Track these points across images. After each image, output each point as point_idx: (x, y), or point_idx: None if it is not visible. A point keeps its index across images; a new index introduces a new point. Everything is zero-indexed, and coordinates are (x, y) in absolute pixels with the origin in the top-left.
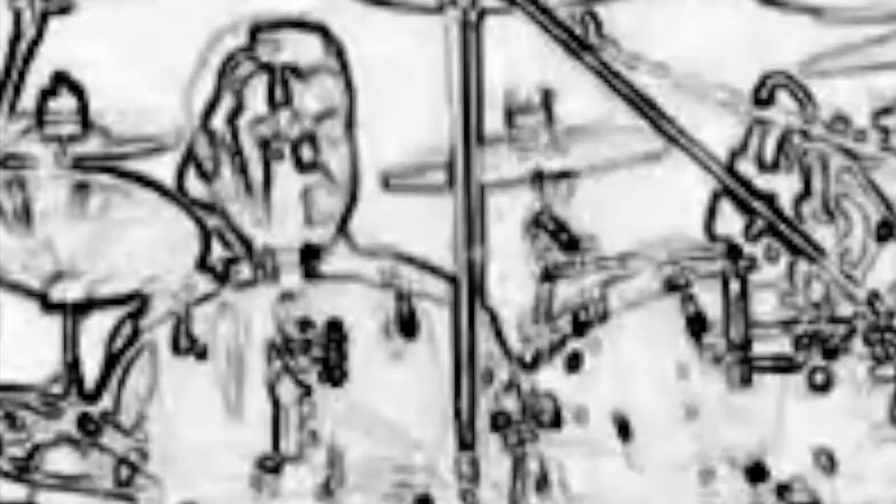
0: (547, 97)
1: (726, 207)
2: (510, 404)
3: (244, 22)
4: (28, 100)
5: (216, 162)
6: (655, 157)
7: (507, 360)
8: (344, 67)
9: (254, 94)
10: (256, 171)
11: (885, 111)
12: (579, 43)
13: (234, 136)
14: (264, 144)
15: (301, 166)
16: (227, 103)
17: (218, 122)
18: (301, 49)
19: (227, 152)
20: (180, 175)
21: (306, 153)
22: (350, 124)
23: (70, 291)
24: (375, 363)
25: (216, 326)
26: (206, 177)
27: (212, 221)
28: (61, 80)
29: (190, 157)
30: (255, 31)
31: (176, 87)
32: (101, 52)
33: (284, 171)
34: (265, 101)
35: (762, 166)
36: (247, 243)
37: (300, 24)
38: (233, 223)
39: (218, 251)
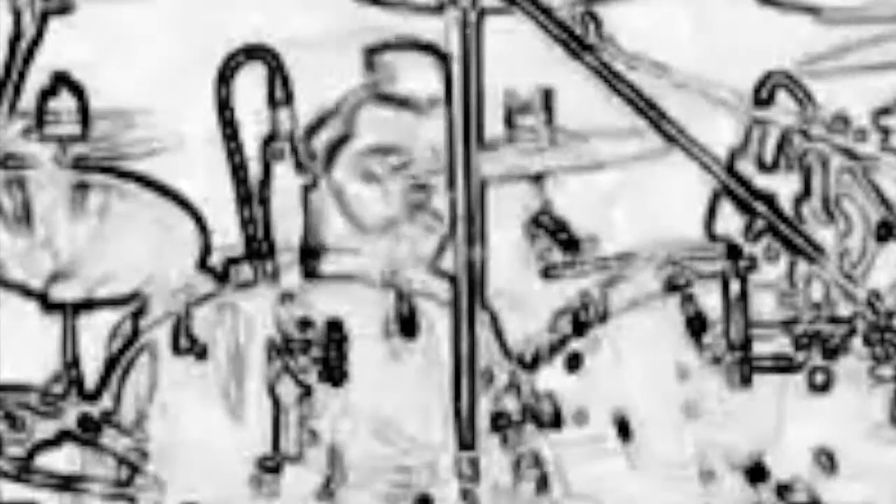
0: (547, 97)
1: (726, 207)
2: (510, 404)
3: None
4: (28, 100)
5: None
6: (655, 157)
7: (507, 360)
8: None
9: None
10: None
11: (885, 111)
12: (579, 43)
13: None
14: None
15: (414, 208)
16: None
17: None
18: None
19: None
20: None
21: (416, 196)
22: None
23: (70, 291)
24: (375, 363)
25: (216, 326)
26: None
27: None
28: (61, 80)
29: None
30: (371, 53)
31: (175, 88)
32: (101, 52)
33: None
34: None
35: (762, 166)
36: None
37: (418, 46)
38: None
39: (217, 252)
